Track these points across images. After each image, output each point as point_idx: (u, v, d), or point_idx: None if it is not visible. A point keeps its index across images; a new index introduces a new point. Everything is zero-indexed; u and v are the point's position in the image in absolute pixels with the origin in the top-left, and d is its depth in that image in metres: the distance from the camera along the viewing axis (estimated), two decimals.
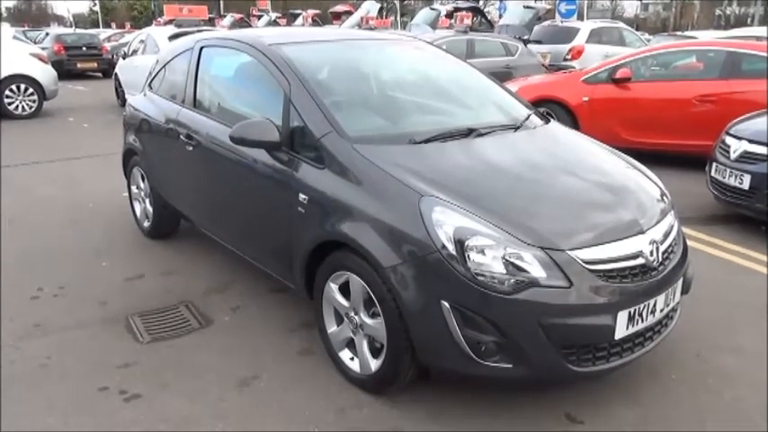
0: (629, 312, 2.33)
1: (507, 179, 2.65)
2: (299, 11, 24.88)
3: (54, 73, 11.23)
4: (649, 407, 2.55)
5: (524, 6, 14.29)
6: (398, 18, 32.43)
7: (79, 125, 10.14)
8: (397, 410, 2.52)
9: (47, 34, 21.04)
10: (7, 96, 10.49)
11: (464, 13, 13.69)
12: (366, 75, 3.52)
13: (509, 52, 11.10)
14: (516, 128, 3.14)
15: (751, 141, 4.60)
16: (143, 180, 4.43)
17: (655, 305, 2.43)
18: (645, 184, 2.87)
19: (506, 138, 3.03)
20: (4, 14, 57.09)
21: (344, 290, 2.63)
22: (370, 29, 14.11)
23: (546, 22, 15.09)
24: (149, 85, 4.49)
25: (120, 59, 12.01)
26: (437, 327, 2.25)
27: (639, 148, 6.26)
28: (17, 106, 10.62)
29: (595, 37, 13.16)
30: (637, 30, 20.01)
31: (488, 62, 10.19)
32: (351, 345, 2.71)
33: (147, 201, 4.42)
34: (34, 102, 10.78)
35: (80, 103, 12.78)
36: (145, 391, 2.66)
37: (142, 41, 11.21)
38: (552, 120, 3.53)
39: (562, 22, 15.16)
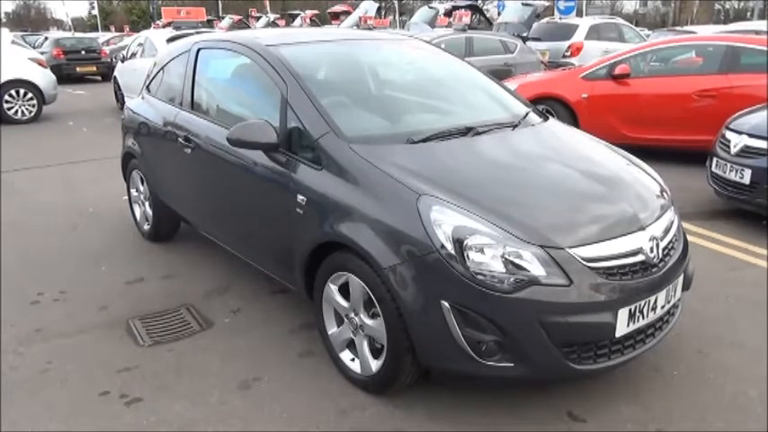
0: (630, 309, 2.32)
1: (505, 177, 2.64)
2: (297, 11, 24.89)
3: (53, 77, 11.23)
4: (651, 403, 2.54)
5: (523, 4, 14.22)
6: (397, 17, 32.40)
7: (79, 129, 10.15)
8: (399, 411, 2.51)
9: (46, 38, 21.04)
10: (6, 101, 10.49)
11: (462, 11, 13.63)
12: (363, 74, 3.51)
13: (508, 50, 11.08)
14: (514, 126, 3.13)
15: (751, 136, 4.59)
16: (142, 183, 4.43)
17: (656, 302, 2.42)
18: (644, 180, 2.86)
19: (504, 136, 3.02)
20: (4, 20, 57.16)
21: (344, 291, 2.62)
22: (369, 28, 14.10)
23: (545, 20, 15.06)
24: (147, 87, 4.49)
25: (119, 63, 12.02)
26: (437, 327, 2.24)
27: (639, 144, 6.26)
28: (16, 111, 10.62)
29: (594, 33, 13.11)
30: (636, 26, 19.99)
31: (487, 60, 10.17)
32: (351, 346, 2.70)
33: (147, 204, 4.42)
34: (33, 106, 10.78)
35: (79, 107, 12.78)
36: (146, 394, 2.66)
37: (140, 44, 11.21)
38: (551, 117, 3.52)
39: (561, 18, 15.14)
